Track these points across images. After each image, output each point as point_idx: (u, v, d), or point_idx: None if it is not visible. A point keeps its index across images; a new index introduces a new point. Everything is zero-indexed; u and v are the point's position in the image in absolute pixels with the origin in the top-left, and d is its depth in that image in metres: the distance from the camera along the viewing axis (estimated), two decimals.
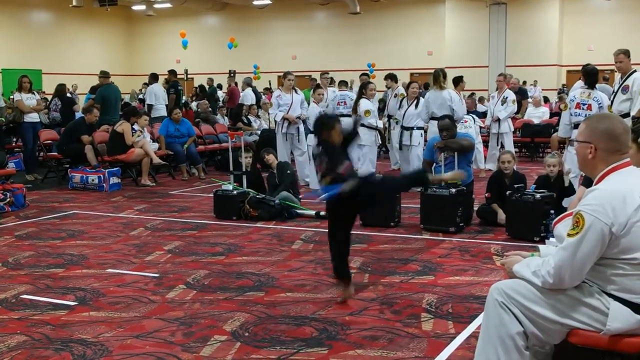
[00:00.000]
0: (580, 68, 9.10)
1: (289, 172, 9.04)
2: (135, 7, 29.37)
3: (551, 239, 3.60)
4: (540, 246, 3.49)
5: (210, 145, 14.16)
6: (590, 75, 8.43)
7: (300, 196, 9.03)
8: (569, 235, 2.95)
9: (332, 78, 14.27)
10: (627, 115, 8.21)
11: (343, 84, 12.59)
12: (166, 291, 5.42)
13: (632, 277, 2.91)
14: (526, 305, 3.05)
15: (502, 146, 12.34)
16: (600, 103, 8.26)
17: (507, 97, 12.53)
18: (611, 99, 8.54)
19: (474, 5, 23.78)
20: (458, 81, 11.83)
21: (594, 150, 3.13)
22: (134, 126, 11.67)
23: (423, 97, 10.65)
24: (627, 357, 2.97)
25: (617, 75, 8.60)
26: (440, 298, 5.14)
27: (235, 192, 8.53)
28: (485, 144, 13.38)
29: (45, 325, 4.64)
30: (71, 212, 9.08)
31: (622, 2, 22.32)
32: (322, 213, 8.38)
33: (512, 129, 13.12)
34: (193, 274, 5.92)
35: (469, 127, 10.89)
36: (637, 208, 2.89)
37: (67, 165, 11.83)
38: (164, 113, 14.51)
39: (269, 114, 14.60)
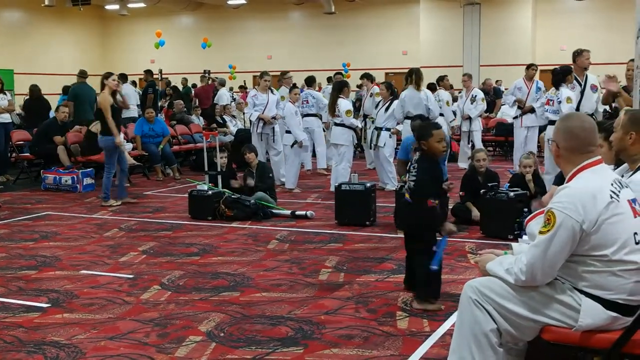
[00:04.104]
0: (553, 68, 9.31)
1: (270, 175, 9.05)
2: (109, 7, 29.11)
3: (524, 237, 3.63)
4: (513, 244, 3.52)
5: (185, 145, 14.09)
6: (554, 75, 8.98)
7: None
8: (540, 232, 2.98)
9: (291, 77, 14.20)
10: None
11: (307, 82, 12.56)
12: (141, 292, 5.38)
13: (603, 274, 2.94)
14: (499, 302, 3.08)
15: (473, 144, 12.64)
16: (559, 99, 8.75)
17: (475, 96, 12.99)
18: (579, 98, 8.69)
19: (448, 6, 23.92)
20: (439, 81, 12.19)
21: (557, 148, 3.18)
22: None
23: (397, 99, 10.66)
24: (599, 353, 3.00)
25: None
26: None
27: (210, 192, 8.50)
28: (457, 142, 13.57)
29: (18, 327, 4.59)
30: (44, 213, 8.98)
31: (594, 2, 22.58)
32: (298, 212, 8.39)
33: (482, 127, 13.47)
34: (168, 274, 5.89)
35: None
36: (607, 205, 2.92)
37: (40, 166, 11.70)
38: (135, 114, 14.42)
39: (244, 113, 14.56)
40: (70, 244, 7.18)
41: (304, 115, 11.54)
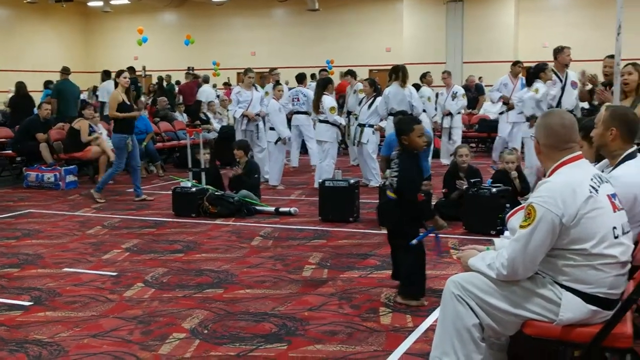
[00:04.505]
0: (535, 64, 9.42)
1: (256, 176, 9.06)
2: (92, 4, 28.93)
3: (506, 232, 3.66)
4: (495, 239, 3.55)
5: (169, 142, 14.04)
6: (528, 74, 9.47)
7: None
8: (521, 226, 3.01)
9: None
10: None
11: (298, 79, 12.55)
12: (124, 289, 5.36)
13: (583, 268, 2.97)
14: (482, 297, 3.10)
15: (453, 140, 12.90)
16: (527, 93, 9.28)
17: (456, 92, 13.21)
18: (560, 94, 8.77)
19: (431, 3, 23.97)
20: (422, 77, 12.32)
21: (537, 144, 3.22)
22: (92, 126, 11.52)
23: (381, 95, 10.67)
24: (580, 347, 3.03)
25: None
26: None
27: (193, 189, 8.48)
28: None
29: (0, 326, 4.56)
30: (26, 211, 8.92)
31: (575, 0, 22.73)
32: (282, 209, 8.39)
33: (462, 124, 13.74)
34: (151, 271, 5.87)
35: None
36: (587, 199, 2.95)
37: (22, 164, 11.61)
38: None
39: (228, 110, 14.52)
40: (53, 241, 7.14)
41: (294, 113, 11.51)
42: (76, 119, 11.73)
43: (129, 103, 9.36)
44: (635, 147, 3.97)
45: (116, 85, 9.62)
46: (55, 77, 15.16)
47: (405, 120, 5.18)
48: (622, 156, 3.87)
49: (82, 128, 11.24)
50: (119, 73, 9.56)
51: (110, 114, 9.33)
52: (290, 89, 13.88)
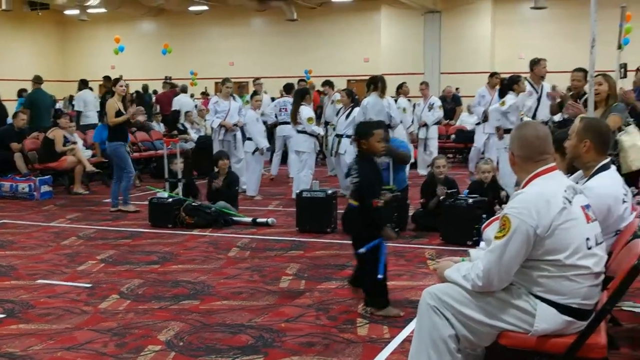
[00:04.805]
0: (509, 76, 9.53)
1: (236, 188, 9.04)
2: (68, 12, 28.70)
3: (482, 243, 3.68)
4: (471, 250, 3.56)
5: (146, 152, 13.95)
6: (502, 85, 9.69)
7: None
8: (496, 237, 3.03)
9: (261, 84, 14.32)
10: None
11: (286, 90, 12.57)
12: (99, 301, 5.31)
13: (557, 279, 3.00)
14: (457, 308, 3.11)
15: (430, 151, 13.04)
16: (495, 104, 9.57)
17: (433, 103, 13.30)
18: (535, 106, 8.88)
19: (409, 14, 24.10)
20: (398, 88, 12.66)
21: (512, 156, 3.25)
22: (66, 135, 11.43)
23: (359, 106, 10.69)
24: (554, 357, 3.05)
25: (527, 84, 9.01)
26: None
27: (170, 199, 8.43)
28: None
29: None
30: (0, 221, 8.81)
31: (551, 12, 22.95)
32: (259, 220, 8.37)
33: (438, 135, 13.81)
34: (127, 283, 5.82)
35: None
36: (561, 211, 2.98)
37: None
38: (95, 120, 14.25)
39: (205, 120, 14.47)
40: (27, 252, 7.05)
41: (280, 123, 11.49)
42: (50, 128, 11.62)
43: (124, 112, 9.34)
44: (609, 159, 4.03)
45: (109, 94, 9.63)
46: (30, 86, 14.97)
47: (366, 125, 5.19)
48: (596, 167, 3.93)
49: (57, 138, 11.14)
50: (115, 81, 9.64)
51: (109, 122, 9.31)
52: (273, 99, 13.92)
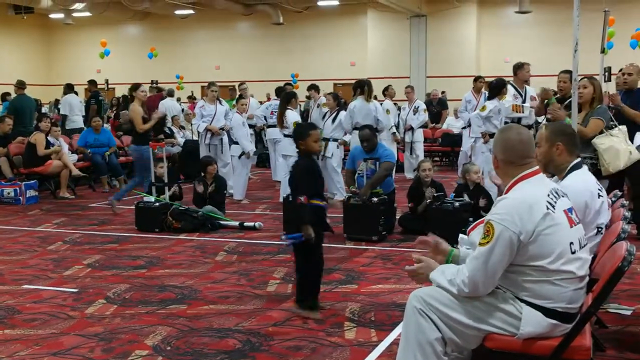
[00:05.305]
0: (495, 79, 9.58)
1: (225, 192, 9.04)
2: (53, 16, 28.59)
3: (463, 247, 3.70)
4: (462, 236, 3.60)
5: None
6: (490, 88, 9.55)
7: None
8: (480, 244, 3.05)
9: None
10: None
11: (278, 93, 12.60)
12: (85, 306, 5.29)
13: (542, 283, 3.02)
14: (444, 311, 3.13)
15: (416, 154, 13.09)
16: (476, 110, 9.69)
17: (418, 107, 13.40)
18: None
19: (395, 17, 24.20)
20: (384, 91, 12.56)
21: (495, 160, 3.27)
22: (50, 139, 11.37)
23: (345, 110, 10.71)
24: (540, 359, 3.07)
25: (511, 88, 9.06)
26: (363, 306, 5.20)
27: (157, 203, 8.41)
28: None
29: None
30: None
31: (536, 15, 23.13)
32: (247, 224, 8.37)
33: (423, 138, 13.87)
34: (113, 288, 5.80)
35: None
36: (544, 216, 3.00)
37: None
38: (80, 125, 14.20)
39: (192, 124, 14.45)
40: (13, 257, 7.01)
41: (269, 126, 11.49)
42: (32, 133, 11.56)
43: (146, 116, 9.47)
44: (579, 159, 4.15)
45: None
46: (14, 91, 14.88)
47: (302, 127, 5.46)
48: (569, 167, 4.05)
49: (38, 141, 11.06)
50: (136, 87, 9.68)
51: (138, 128, 9.39)
52: (261, 102, 13.92)
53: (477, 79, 12.70)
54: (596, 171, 5.89)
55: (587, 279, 3.14)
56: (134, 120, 9.37)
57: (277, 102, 11.65)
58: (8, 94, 16.87)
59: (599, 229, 4.04)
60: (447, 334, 3.14)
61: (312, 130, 5.17)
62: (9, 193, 10.66)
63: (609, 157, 6.06)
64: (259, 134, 11.97)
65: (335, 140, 10.39)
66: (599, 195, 4.05)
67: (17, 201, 10.56)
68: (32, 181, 10.91)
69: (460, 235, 3.60)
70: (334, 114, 10.56)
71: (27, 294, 5.68)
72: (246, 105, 11.32)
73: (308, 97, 15.28)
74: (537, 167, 3.23)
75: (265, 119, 12.49)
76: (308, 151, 5.13)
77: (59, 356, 4.25)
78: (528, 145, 3.22)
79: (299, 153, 5.23)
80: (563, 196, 3.17)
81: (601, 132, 6.25)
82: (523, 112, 8.69)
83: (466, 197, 7.46)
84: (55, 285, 5.92)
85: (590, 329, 3.17)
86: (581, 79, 6.35)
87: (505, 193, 3.18)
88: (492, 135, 8.85)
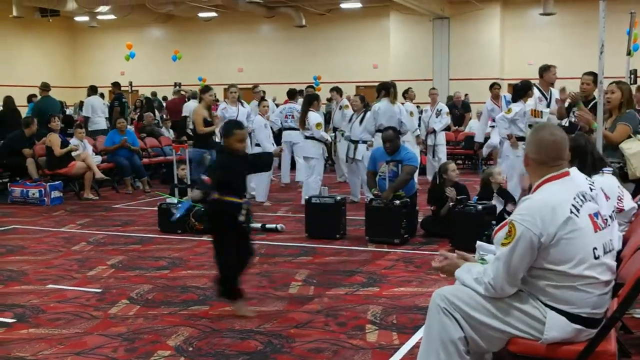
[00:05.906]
0: (520, 81, 9.48)
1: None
2: (78, 18, 28.85)
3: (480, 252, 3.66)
4: (479, 243, 3.57)
5: (155, 158, 14.00)
6: (515, 91, 9.37)
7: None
8: (502, 244, 3.03)
9: (263, 91, 14.41)
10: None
11: (290, 96, 12.58)
12: (109, 306, 5.33)
13: (564, 289, 2.98)
14: (468, 312, 3.10)
15: (438, 157, 13.00)
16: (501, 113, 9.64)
17: (441, 110, 13.24)
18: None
19: (417, 20, 24.10)
20: (404, 93, 12.69)
21: (527, 158, 3.24)
22: (74, 141, 11.47)
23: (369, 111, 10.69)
24: None
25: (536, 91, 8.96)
26: (385, 309, 5.18)
27: (179, 205, 8.43)
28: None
29: None
30: (10, 227, 8.86)
31: (560, 18, 22.92)
32: (268, 226, 8.38)
33: (446, 141, 13.80)
34: (136, 288, 5.84)
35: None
36: (566, 220, 2.96)
37: (7, 179, 11.54)
38: (103, 126, 14.31)
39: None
40: (38, 258, 7.09)
41: (286, 129, 11.46)
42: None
43: (210, 119, 9.54)
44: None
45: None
46: (39, 93, 15.05)
47: (230, 124, 5.46)
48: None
49: (53, 142, 11.11)
50: (205, 90, 9.77)
51: (198, 130, 9.50)
52: (278, 105, 13.92)
53: (492, 85, 12.67)
54: (623, 175, 5.85)
55: (612, 283, 3.10)
56: (196, 121, 9.49)
57: (292, 105, 11.66)
58: (34, 95, 17.06)
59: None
60: (470, 334, 3.11)
61: (237, 129, 5.17)
62: (34, 194, 10.77)
63: (636, 161, 6.00)
64: (278, 136, 11.95)
65: (364, 142, 10.31)
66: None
67: (42, 202, 10.67)
68: (56, 182, 11.01)
69: (478, 243, 3.56)
70: (360, 116, 10.54)
71: (51, 293, 5.73)
72: (268, 107, 11.34)
73: (329, 100, 15.28)
74: (567, 169, 3.19)
75: (281, 122, 12.48)
76: (230, 149, 5.13)
77: (83, 356, 4.28)
78: (561, 146, 3.16)
79: (222, 147, 5.25)
80: (590, 200, 3.13)
81: (629, 137, 6.19)
82: (542, 118, 8.57)
83: (494, 202, 7.39)
84: (79, 286, 5.97)
85: (615, 335, 3.13)
86: (610, 83, 6.28)
87: (531, 193, 3.15)
88: (518, 138, 8.80)
